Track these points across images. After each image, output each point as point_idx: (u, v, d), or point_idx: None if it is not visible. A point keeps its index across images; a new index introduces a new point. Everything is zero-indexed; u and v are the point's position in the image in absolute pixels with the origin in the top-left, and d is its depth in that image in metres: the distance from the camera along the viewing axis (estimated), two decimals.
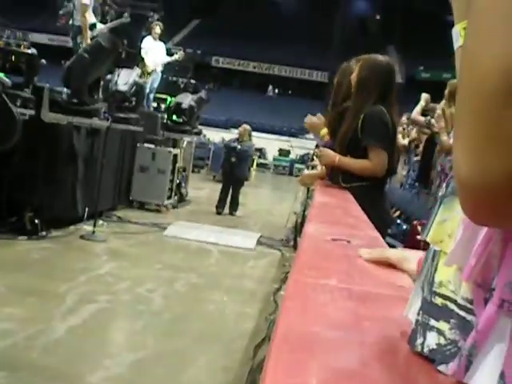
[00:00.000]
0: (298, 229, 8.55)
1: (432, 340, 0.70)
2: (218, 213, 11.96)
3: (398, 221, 6.76)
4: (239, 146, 12.31)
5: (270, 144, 32.54)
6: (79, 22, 9.88)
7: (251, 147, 13.01)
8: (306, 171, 5.81)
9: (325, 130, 4.36)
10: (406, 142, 8.64)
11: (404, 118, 8.76)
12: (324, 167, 4.22)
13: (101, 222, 8.54)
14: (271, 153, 32.70)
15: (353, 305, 0.95)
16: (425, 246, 0.82)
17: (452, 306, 0.68)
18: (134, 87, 10.56)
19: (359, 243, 1.61)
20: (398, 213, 7.21)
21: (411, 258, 1.26)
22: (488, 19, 0.52)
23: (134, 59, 9.60)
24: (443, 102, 5.79)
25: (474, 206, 0.54)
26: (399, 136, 8.47)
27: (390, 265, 1.30)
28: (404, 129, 8.84)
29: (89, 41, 9.79)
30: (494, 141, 0.50)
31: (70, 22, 10.09)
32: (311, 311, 0.88)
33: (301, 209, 9.78)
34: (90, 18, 9.95)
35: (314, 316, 0.86)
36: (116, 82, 9.30)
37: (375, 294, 1.05)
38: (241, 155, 12.25)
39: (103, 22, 10.71)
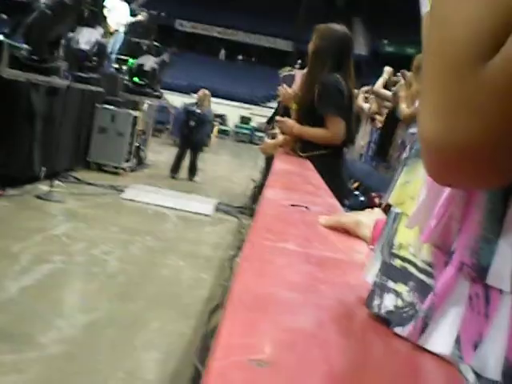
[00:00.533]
0: (256, 196, 8.57)
1: (389, 302, 0.70)
2: (172, 177, 11.89)
3: (356, 192, 6.82)
4: (198, 111, 12.22)
5: (231, 111, 32.43)
6: None
7: (210, 112, 12.92)
8: (266, 139, 5.80)
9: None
10: (366, 106, 8.63)
11: (366, 88, 8.79)
12: (284, 136, 4.22)
13: (58, 182, 8.42)
14: (232, 120, 32.59)
15: (310, 268, 0.94)
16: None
17: (412, 269, 0.68)
18: (96, 47, 10.37)
19: (317, 210, 1.61)
20: (356, 184, 7.27)
21: (366, 223, 1.27)
22: None
23: (97, 18, 9.41)
24: (407, 73, 5.83)
25: (438, 165, 0.54)
26: (360, 99, 8.49)
27: (347, 230, 1.30)
28: (366, 98, 8.84)
29: None
30: (458, 103, 0.50)
31: None
32: (268, 273, 0.87)
33: (260, 177, 9.80)
34: None
35: (270, 278, 0.85)
36: (78, 41, 9.12)
37: (332, 259, 1.05)
38: (200, 120, 12.15)
39: None
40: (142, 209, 8.23)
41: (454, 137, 0.50)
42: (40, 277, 4.93)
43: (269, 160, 5.88)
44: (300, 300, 0.77)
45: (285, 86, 4.49)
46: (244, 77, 36.66)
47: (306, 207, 1.61)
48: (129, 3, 14.17)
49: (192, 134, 12.06)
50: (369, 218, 1.28)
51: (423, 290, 0.65)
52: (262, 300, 0.74)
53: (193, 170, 12.20)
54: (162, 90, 14.71)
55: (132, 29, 14.52)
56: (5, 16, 8.68)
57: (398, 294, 0.69)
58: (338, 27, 3.91)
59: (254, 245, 1.04)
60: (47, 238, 6.07)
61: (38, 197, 7.59)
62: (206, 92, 12.65)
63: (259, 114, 30.70)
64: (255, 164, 15.88)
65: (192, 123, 12.07)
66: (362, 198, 6.57)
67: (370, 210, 1.39)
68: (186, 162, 12.18)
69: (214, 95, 13.79)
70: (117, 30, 13.25)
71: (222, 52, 41.32)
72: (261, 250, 1.00)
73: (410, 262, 0.69)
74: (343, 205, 3.06)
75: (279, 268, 0.91)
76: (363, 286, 0.77)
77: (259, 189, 7.73)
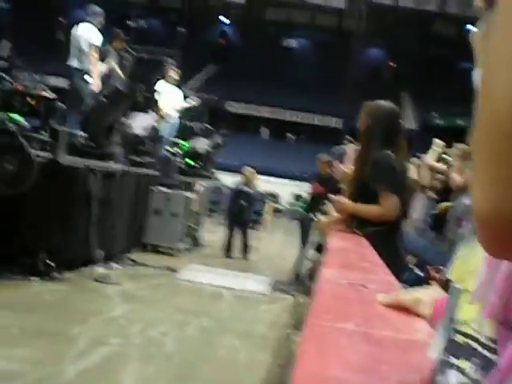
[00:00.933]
0: (312, 274, 8.51)
1: (453, 378, 0.69)
2: (227, 256, 11.93)
3: (413, 267, 6.72)
4: (247, 189, 12.33)
5: (284, 189, 32.59)
6: (82, 65, 9.92)
7: (259, 191, 13.04)
8: (320, 217, 5.79)
9: None
10: (419, 179, 8.53)
11: (417, 161, 8.73)
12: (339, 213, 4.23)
13: (114, 264, 8.55)
14: (285, 198, 32.70)
15: (371, 349, 0.94)
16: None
17: (475, 345, 0.67)
18: (150, 131, 10.67)
19: (375, 288, 1.60)
20: (412, 259, 7.17)
21: (425, 300, 1.26)
22: (504, 53, 0.53)
23: (151, 104, 9.70)
24: (459, 145, 5.81)
25: (489, 239, 0.54)
26: (412, 172, 8.41)
27: (407, 308, 1.29)
28: (418, 170, 8.77)
29: (95, 85, 9.89)
30: (506, 177, 0.51)
31: (72, 63, 10.13)
32: (329, 354, 0.87)
33: (314, 254, 9.75)
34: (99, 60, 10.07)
35: (331, 359, 0.85)
36: (132, 126, 9.39)
37: (393, 338, 1.04)
38: (249, 198, 12.25)
39: (120, 67, 10.86)
40: (198, 289, 8.25)
41: (502, 213, 0.51)
42: (98, 360, 4.94)
43: (324, 237, 5.87)
44: (362, 382, 0.77)
45: (337, 162, 4.53)
46: (295, 155, 36.96)
47: (364, 286, 1.60)
48: (181, 88, 14.56)
49: (241, 213, 12.14)
50: (428, 296, 1.27)
51: (487, 366, 0.64)
52: (324, 382, 0.74)
53: (245, 249, 12.22)
54: (214, 171, 14.95)
55: (185, 112, 14.88)
56: (62, 105, 8.99)
57: (461, 371, 0.68)
58: (386, 103, 3.96)
59: (314, 325, 1.04)
60: (105, 320, 6.11)
61: (95, 279, 7.70)
62: (252, 170, 12.78)
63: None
64: (310, 241, 15.82)
65: (241, 202, 12.17)
66: (418, 272, 6.48)
67: (428, 286, 1.38)
68: (238, 241, 12.23)
69: (266, 174, 13.94)
70: (170, 114, 13.59)
71: (270, 131, 41.86)
72: (320, 330, 1.00)
73: (472, 337, 0.68)
74: (400, 280, 3.03)
75: (340, 349, 0.91)
76: (425, 366, 0.77)
77: (316, 265, 7.68)
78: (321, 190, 9.08)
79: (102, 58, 10.58)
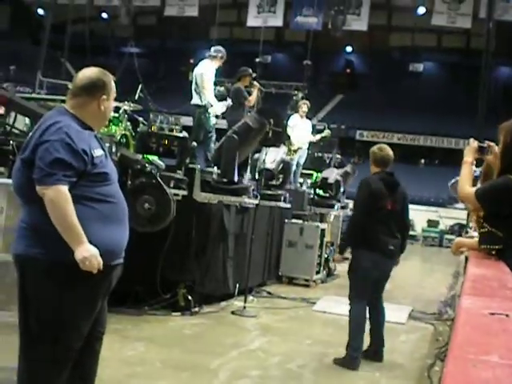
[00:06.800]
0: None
1: None
2: None
3: None
4: None
5: (418, 215, 31.91)
6: (202, 101, 10.19)
7: None
8: (456, 239, 5.65)
9: None
10: None
11: None
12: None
13: (251, 297, 8.68)
14: (420, 224, 32.00)
15: None
16: None
17: None
18: (281, 164, 10.80)
19: None
20: None
21: None
22: None
23: (281, 138, 9.81)
24: None
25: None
26: None
27: None
28: None
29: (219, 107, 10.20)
30: None
31: (194, 101, 10.43)
32: None
33: (453, 281, 9.47)
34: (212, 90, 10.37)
35: None
36: (263, 161, 9.55)
37: None
38: None
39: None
40: (335, 320, 8.19)
41: None
42: None
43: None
44: None
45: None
46: (428, 180, 36.20)
47: (507, 315, 1.56)
48: (310, 119, 14.69)
49: None
50: None
51: None
52: None
53: None
54: (346, 200, 14.89)
55: (315, 144, 14.99)
56: (195, 144, 9.27)
57: None
58: None
59: (457, 358, 1.02)
60: (243, 353, 6.20)
61: (233, 312, 7.84)
62: None
63: (447, 217, 29.94)
64: (445, 268, 15.41)
65: None
66: None
67: None
68: None
69: None
70: (300, 148, 13.71)
71: (402, 157, 41.23)
72: (464, 363, 0.98)
73: None
74: None
75: (484, 383, 0.89)
76: None
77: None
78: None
79: (224, 97, 10.87)
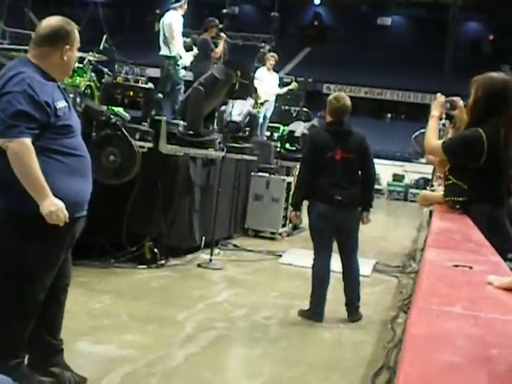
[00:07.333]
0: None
1: None
2: None
3: None
4: None
5: (383, 169, 32.14)
6: (171, 52, 10.12)
7: None
8: (422, 191, 5.68)
9: None
10: None
11: None
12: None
13: (217, 250, 8.70)
14: (385, 178, 32.25)
15: (479, 332, 0.92)
16: None
17: None
18: (248, 117, 10.74)
19: (482, 269, 1.57)
20: None
21: None
22: None
23: (248, 90, 9.74)
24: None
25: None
26: None
27: None
28: None
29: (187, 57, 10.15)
30: None
31: (162, 52, 10.35)
32: (437, 339, 0.86)
33: (416, 235, 9.59)
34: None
35: (439, 344, 0.84)
36: (230, 113, 9.49)
37: (502, 321, 1.02)
38: None
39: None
40: (300, 272, 8.25)
41: None
42: (204, 344, 5.05)
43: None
44: (471, 366, 0.75)
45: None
46: (394, 134, 36.38)
47: (470, 267, 1.57)
48: (277, 72, 14.59)
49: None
50: None
51: None
52: (434, 368, 0.73)
53: None
54: None
55: (281, 97, 14.91)
56: (161, 95, 9.16)
57: None
58: (496, 75, 3.81)
59: (420, 309, 1.03)
60: (210, 305, 6.24)
61: (199, 265, 7.86)
62: None
63: (412, 171, 30.21)
64: (411, 222, 15.60)
65: None
66: None
67: None
68: None
69: None
70: (267, 100, 13.63)
71: (368, 111, 41.30)
72: (427, 314, 0.99)
73: None
74: (505, 259, 2.95)
75: (448, 333, 0.90)
76: None
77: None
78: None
79: (191, 48, 10.76)
